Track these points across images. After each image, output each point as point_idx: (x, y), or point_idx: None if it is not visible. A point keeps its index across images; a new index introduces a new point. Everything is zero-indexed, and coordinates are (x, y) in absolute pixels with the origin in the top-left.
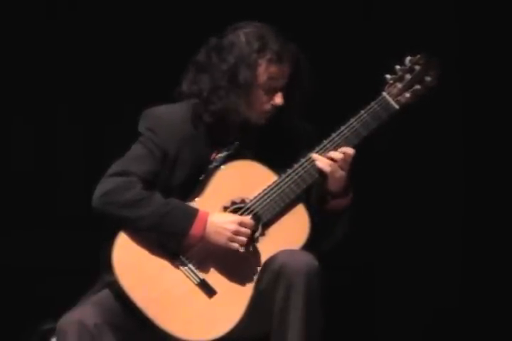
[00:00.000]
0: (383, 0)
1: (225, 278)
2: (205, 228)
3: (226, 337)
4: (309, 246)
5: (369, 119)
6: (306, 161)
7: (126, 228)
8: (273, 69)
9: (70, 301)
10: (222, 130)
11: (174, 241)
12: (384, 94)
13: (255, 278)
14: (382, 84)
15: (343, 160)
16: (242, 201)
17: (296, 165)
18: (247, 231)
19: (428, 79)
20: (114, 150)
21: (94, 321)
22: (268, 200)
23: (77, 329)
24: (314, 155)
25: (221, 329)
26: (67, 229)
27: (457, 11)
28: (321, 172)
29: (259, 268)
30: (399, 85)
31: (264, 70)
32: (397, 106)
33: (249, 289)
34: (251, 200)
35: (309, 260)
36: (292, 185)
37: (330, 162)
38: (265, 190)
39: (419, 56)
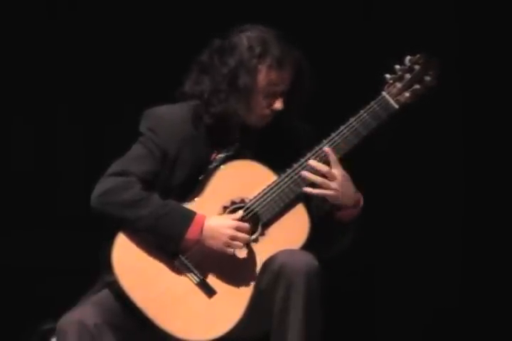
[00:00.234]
0: (383, 0)
1: (225, 278)
2: (201, 232)
3: (226, 337)
4: (314, 253)
5: (369, 119)
6: (306, 161)
7: (126, 228)
8: (273, 74)
9: (70, 301)
10: (222, 131)
11: (171, 243)
12: (384, 93)
13: (255, 278)
14: (382, 83)
15: (328, 172)
16: (242, 201)
17: (295, 165)
18: (244, 236)
19: (428, 78)
20: (114, 150)
21: (94, 321)
22: (268, 200)
23: (77, 329)
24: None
25: (221, 329)
26: (67, 229)
27: (457, 11)
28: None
29: (258, 268)
30: (398, 85)
31: (264, 76)
32: (396, 106)
33: (248, 289)
34: (251, 200)
35: (309, 260)
36: (292, 185)
37: (316, 178)
38: (265, 189)
39: (418, 56)
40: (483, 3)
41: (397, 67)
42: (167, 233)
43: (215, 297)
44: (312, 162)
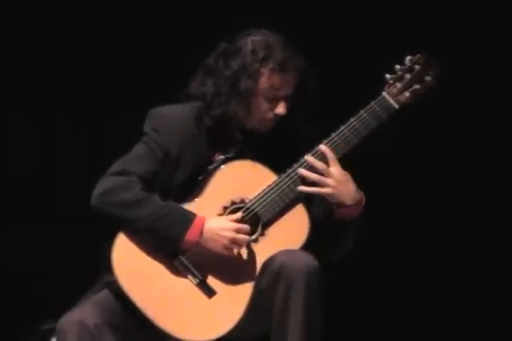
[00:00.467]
0: (384, 0)
1: (225, 278)
2: (201, 234)
3: (226, 337)
4: (317, 257)
5: (369, 119)
6: (306, 161)
7: (126, 228)
8: (275, 78)
9: (70, 301)
10: (223, 133)
11: (170, 244)
12: (384, 93)
13: (255, 278)
14: (382, 83)
15: (325, 169)
16: (242, 201)
17: (295, 165)
18: (244, 238)
19: (428, 78)
20: (114, 150)
21: (94, 321)
22: (268, 200)
23: (77, 329)
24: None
25: (221, 329)
26: (67, 229)
27: (457, 10)
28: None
29: (258, 268)
30: (399, 85)
31: (267, 79)
32: (396, 106)
33: (248, 289)
34: (251, 200)
35: (309, 260)
36: (292, 185)
37: (312, 175)
38: (265, 190)
39: (419, 56)
40: (483, 3)
41: (397, 67)
42: (166, 234)
43: (215, 297)
44: (309, 158)
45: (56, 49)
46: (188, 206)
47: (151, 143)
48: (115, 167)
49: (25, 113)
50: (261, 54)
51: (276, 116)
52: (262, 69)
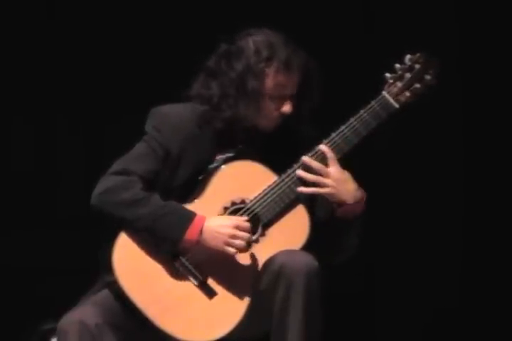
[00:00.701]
0: (384, 0)
1: (225, 278)
2: (200, 233)
3: (226, 337)
4: (320, 259)
5: (369, 119)
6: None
7: (127, 228)
8: (280, 78)
9: (71, 301)
10: (229, 134)
11: (170, 243)
12: (384, 93)
13: (255, 278)
14: (382, 83)
15: (322, 169)
16: (242, 201)
17: (296, 166)
18: (244, 234)
19: (428, 77)
20: (114, 150)
21: (95, 321)
22: (268, 200)
23: (77, 329)
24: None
25: (221, 330)
26: (67, 229)
27: (457, 10)
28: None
29: (259, 269)
30: (399, 84)
31: (272, 79)
32: (397, 105)
33: (249, 290)
34: (251, 200)
35: (309, 260)
36: (292, 185)
37: (309, 176)
38: (265, 190)
39: (418, 55)
40: (483, 3)
41: (397, 66)
42: (166, 233)
43: (216, 298)
44: (305, 159)
45: (56, 49)
46: (189, 206)
47: (152, 142)
48: (116, 166)
49: (25, 113)
50: (264, 54)
51: (282, 114)
52: (267, 70)
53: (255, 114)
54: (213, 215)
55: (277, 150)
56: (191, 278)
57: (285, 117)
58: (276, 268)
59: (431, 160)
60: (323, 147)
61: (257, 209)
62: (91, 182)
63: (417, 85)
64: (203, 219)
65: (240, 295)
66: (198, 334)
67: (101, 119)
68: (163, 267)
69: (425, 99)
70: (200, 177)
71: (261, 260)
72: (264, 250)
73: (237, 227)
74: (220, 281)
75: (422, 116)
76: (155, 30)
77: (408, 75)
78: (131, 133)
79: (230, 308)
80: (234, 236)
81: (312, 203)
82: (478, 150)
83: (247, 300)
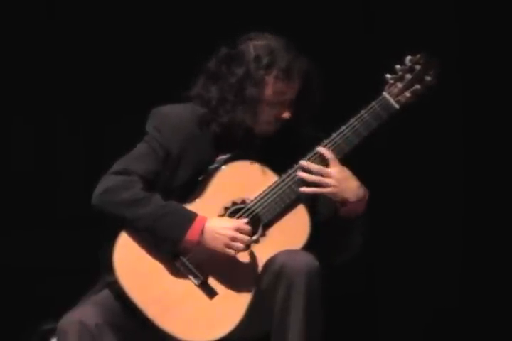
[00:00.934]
0: (384, 0)
1: (226, 278)
2: (201, 233)
3: (227, 337)
4: (324, 258)
5: (369, 119)
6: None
7: (128, 228)
8: (280, 85)
9: (71, 301)
10: (228, 137)
11: (171, 243)
12: (384, 93)
13: (256, 278)
14: (383, 83)
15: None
16: (243, 201)
17: (296, 166)
18: (244, 237)
19: (428, 78)
20: (114, 150)
21: (95, 321)
22: (269, 201)
23: (77, 329)
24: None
25: (222, 330)
26: (67, 229)
27: (457, 10)
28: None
29: (259, 269)
30: (399, 85)
31: (271, 87)
32: (397, 106)
33: (250, 290)
34: (251, 201)
35: (310, 260)
36: (293, 186)
37: (310, 177)
38: (266, 190)
39: (419, 56)
40: (483, 3)
41: (398, 67)
42: (167, 234)
43: (216, 298)
44: (302, 162)
45: (56, 49)
46: (189, 206)
47: (152, 143)
48: (116, 166)
49: (25, 113)
50: (264, 60)
51: (281, 120)
52: (267, 77)
53: (252, 119)
54: (214, 215)
55: (277, 152)
56: (192, 278)
57: (284, 122)
58: (276, 268)
59: (431, 160)
60: (321, 149)
61: (258, 210)
62: (91, 182)
63: (418, 86)
64: (204, 219)
65: (241, 295)
66: (199, 334)
67: (101, 119)
68: (164, 267)
69: (425, 99)
70: (200, 178)
71: (261, 260)
72: (265, 250)
73: (238, 229)
74: (221, 281)
75: (422, 116)
76: (155, 30)
77: (408, 76)
78: (131, 133)
79: (231, 308)
80: (234, 239)
81: (314, 203)
82: (478, 151)
83: (247, 300)
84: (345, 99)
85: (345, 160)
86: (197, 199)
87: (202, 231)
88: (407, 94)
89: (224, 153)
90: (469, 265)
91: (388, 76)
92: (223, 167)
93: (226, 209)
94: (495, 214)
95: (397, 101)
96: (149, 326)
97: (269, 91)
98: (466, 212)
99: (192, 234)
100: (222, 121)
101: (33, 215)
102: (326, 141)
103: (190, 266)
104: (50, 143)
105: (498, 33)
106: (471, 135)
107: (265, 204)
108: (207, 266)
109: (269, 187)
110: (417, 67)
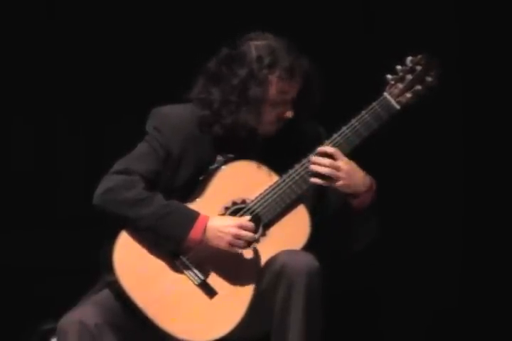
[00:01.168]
0: (384, 1)
1: (226, 278)
2: (204, 232)
3: (227, 337)
4: (314, 253)
5: (370, 120)
6: (307, 161)
7: (128, 228)
8: (283, 85)
9: (71, 301)
10: (229, 138)
11: (174, 242)
12: (385, 94)
13: (256, 278)
14: (384, 84)
15: (331, 164)
16: (243, 201)
17: (297, 166)
18: (248, 234)
19: (429, 79)
20: (114, 150)
21: (94, 321)
22: (269, 201)
23: (77, 329)
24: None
25: (222, 329)
26: (67, 229)
27: (457, 11)
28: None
29: (260, 269)
30: (400, 85)
31: (275, 86)
32: (398, 107)
33: (250, 289)
34: (252, 201)
35: (310, 260)
36: (293, 186)
37: (322, 169)
38: (266, 190)
39: (420, 56)
40: (483, 3)
41: (399, 67)
42: (170, 233)
43: (216, 297)
44: (314, 158)
45: (56, 49)
46: (190, 206)
47: (153, 142)
48: (117, 166)
49: (25, 113)
50: (267, 60)
51: (283, 119)
52: (270, 77)
53: (256, 120)
54: (214, 215)
55: (277, 152)
56: (192, 278)
57: (286, 121)
58: (277, 268)
59: (431, 160)
60: (322, 148)
61: (258, 209)
62: (91, 182)
63: (418, 86)
64: (207, 218)
65: (241, 294)
66: (199, 333)
67: (101, 119)
68: (164, 266)
69: (426, 99)
70: (201, 178)
71: (262, 260)
72: (265, 250)
73: (241, 227)
74: (221, 281)
75: (422, 117)
76: (155, 31)
77: (409, 77)
78: (131, 133)
79: (231, 308)
80: (237, 236)
81: (320, 199)
82: (478, 151)
83: (247, 300)
84: (346, 100)
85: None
86: (197, 199)
87: (205, 230)
88: (408, 94)
89: (224, 153)
90: (469, 265)
91: (389, 76)
92: (224, 167)
93: (226, 209)
94: (495, 214)
95: (398, 102)
96: (149, 326)
97: (272, 90)
98: (466, 212)
99: (195, 233)
100: (226, 123)
101: (33, 215)
102: (327, 142)
103: (191, 266)
104: (50, 143)
105: (498, 34)
106: (471, 135)
107: (265, 204)
108: (207, 266)
109: (269, 187)
110: (418, 67)
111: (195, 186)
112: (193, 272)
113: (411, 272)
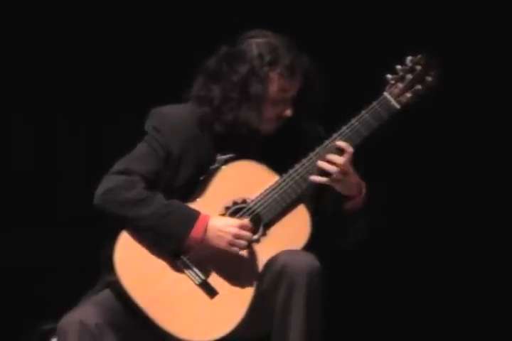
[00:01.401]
0: (386, 0)
1: (227, 278)
2: (205, 231)
3: (227, 337)
4: (315, 253)
5: (370, 119)
6: (308, 161)
7: (128, 227)
8: (283, 82)
9: (71, 301)
10: (230, 137)
11: (174, 243)
12: (385, 94)
13: (257, 278)
14: (384, 84)
15: (344, 164)
16: (244, 201)
17: (297, 165)
18: (248, 234)
19: (429, 79)
20: (114, 150)
21: (95, 321)
22: (269, 200)
23: (78, 329)
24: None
25: (222, 329)
26: (67, 229)
27: (459, 10)
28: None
29: (260, 269)
30: (400, 85)
31: (275, 84)
32: (398, 106)
33: (250, 289)
34: (252, 200)
35: (311, 260)
36: (294, 185)
37: (331, 167)
38: (267, 190)
39: (420, 56)
40: (486, 3)
41: (399, 67)
42: (171, 232)
43: (217, 297)
44: (330, 156)
45: (56, 49)
46: (190, 205)
47: (152, 143)
48: (118, 166)
49: (25, 113)
50: (267, 58)
51: (283, 118)
52: (271, 74)
53: (257, 117)
54: (215, 215)
55: (277, 152)
56: (193, 277)
57: (285, 120)
58: (278, 268)
59: (431, 160)
60: (339, 143)
61: (259, 209)
62: (91, 182)
63: (418, 86)
64: (208, 217)
65: (241, 294)
66: (199, 333)
67: (101, 119)
68: (165, 266)
69: (426, 99)
70: (201, 178)
71: (262, 260)
72: (266, 250)
73: (241, 227)
74: (222, 280)
75: (422, 117)
76: (155, 31)
77: (409, 76)
78: (131, 133)
79: (231, 308)
80: (237, 236)
81: (318, 198)
82: (478, 151)
83: (248, 300)
84: (346, 100)
85: None
86: (198, 199)
87: (205, 229)
88: (408, 94)
89: (225, 152)
90: (469, 265)
91: (389, 76)
92: (224, 167)
93: (227, 208)
94: (495, 214)
95: (398, 102)
96: (150, 326)
97: (273, 88)
98: (466, 212)
99: (196, 232)
100: (227, 120)
101: (33, 215)
102: (327, 141)
103: (191, 265)
104: (50, 143)
105: (499, 34)
106: (471, 135)
107: (266, 203)
108: (208, 265)
109: (270, 186)
110: (418, 67)
111: (196, 186)
112: (194, 272)
113: (411, 272)
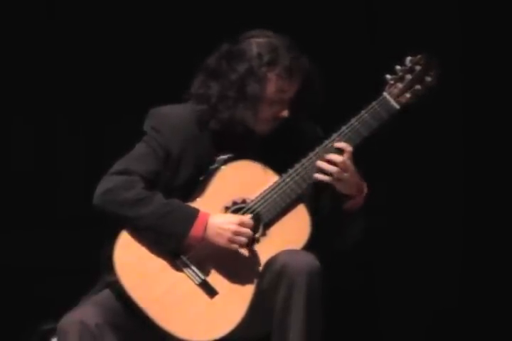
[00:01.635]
0: (387, 1)
1: (227, 278)
2: (205, 229)
3: (227, 337)
4: (315, 253)
5: (370, 119)
6: (307, 161)
7: (128, 227)
8: (281, 83)
9: (71, 301)
10: (227, 135)
11: (174, 241)
12: (385, 94)
13: (257, 278)
14: (383, 84)
15: (343, 162)
16: (244, 201)
17: (297, 165)
18: (248, 231)
19: (428, 79)
20: (114, 150)
21: (95, 321)
22: (269, 200)
23: (78, 329)
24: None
25: (222, 329)
26: (67, 229)
27: (459, 11)
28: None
29: (260, 268)
30: (399, 85)
31: (273, 84)
32: (397, 106)
33: (250, 289)
34: (252, 200)
35: (311, 260)
36: (293, 185)
37: (331, 167)
38: (266, 190)
39: (419, 56)
40: (485, 3)
41: (398, 67)
42: (171, 231)
43: (217, 297)
44: (329, 155)
45: (56, 49)
46: (190, 205)
47: (152, 143)
48: (117, 166)
49: (25, 113)
50: (267, 58)
51: (279, 118)
52: (269, 74)
53: (253, 116)
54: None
55: (276, 152)
56: (193, 277)
57: (282, 120)
58: (278, 268)
59: (431, 160)
60: (339, 144)
61: (258, 209)
62: (91, 182)
63: (418, 86)
64: (207, 215)
65: (241, 294)
66: (199, 333)
67: (101, 119)
68: (165, 266)
69: (426, 99)
70: (201, 178)
71: (262, 259)
72: (266, 249)
73: (241, 224)
74: (222, 280)
75: (422, 117)
76: (155, 31)
77: (409, 76)
78: (131, 133)
79: (231, 307)
80: (237, 233)
81: (317, 198)
82: (478, 151)
83: (248, 300)
84: (345, 100)
85: None
86: (198, 199)
87: (205, 227)
88: (408, 94)
89: (224, 152)
90: (469, 265)
91: (388, 76)
92: (224, 167)
93: (227, 208)
94: (495, 214)
95: (398, 102)
96: (150, 325)
97: (271, 88)
98: (466, 212)
99: (196, 230)
100: (223, 118)
101: (33, 215)
102: (327, 141)
103: (191, 265)
104: (50, 143)
105: (499, 34)
106: (471, 135)
107: (266, 203)
108: (208, 265)
109: (270, 186)
110: (418, 67)
111: (196, 186)
112: (194, 271)
113: (411, 272)
